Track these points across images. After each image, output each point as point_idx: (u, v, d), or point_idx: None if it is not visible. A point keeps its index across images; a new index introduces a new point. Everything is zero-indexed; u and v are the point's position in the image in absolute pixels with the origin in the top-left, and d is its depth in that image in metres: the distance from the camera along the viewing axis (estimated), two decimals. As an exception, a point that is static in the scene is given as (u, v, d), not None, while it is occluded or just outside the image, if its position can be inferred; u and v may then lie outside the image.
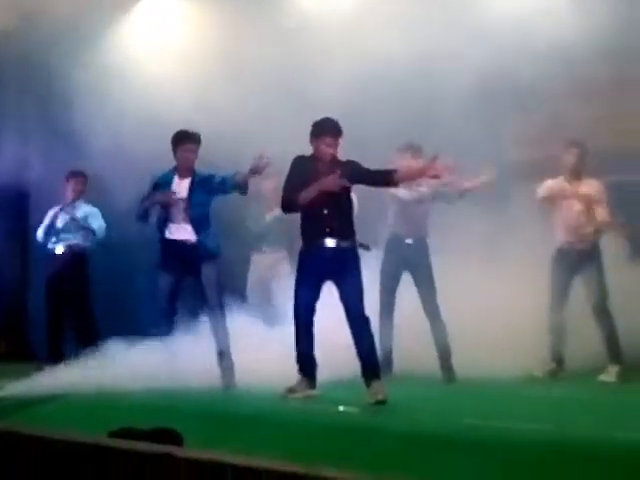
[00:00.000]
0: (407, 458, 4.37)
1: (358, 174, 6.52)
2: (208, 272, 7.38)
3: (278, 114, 8.57)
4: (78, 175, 9.11)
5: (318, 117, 6.68)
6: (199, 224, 7.41)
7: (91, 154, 9.54)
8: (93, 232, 8.98)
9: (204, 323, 7.45)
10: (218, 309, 7.37)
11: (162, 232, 7.47)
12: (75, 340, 8.68)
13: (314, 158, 6.62)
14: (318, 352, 6.55)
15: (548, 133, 8.57)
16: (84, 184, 9.10)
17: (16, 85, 10.92)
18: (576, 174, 7.92)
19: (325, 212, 6.44)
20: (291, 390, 6.51)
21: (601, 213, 7.82)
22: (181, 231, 7.41)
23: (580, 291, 7.83)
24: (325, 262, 6.45)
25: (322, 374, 6.63)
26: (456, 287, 7.58)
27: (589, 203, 7.83)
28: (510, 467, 4.15)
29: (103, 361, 7.15)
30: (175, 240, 7.41)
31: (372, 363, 6.34)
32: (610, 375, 7.52)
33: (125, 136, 9.30)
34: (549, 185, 7.97)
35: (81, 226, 8.97)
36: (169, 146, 7.56)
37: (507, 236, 7.66)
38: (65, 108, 9.86)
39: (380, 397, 6.12)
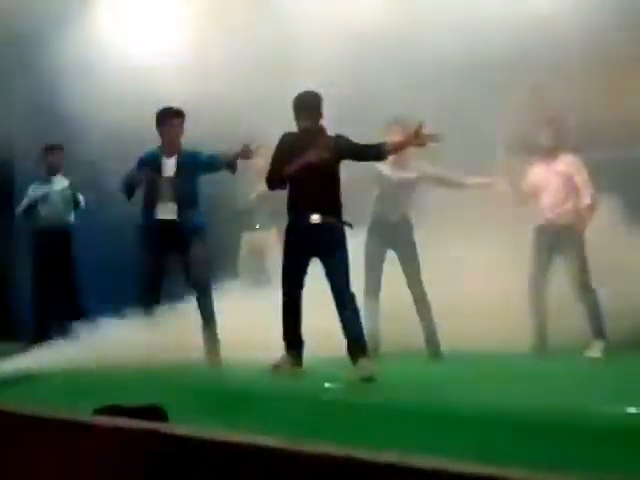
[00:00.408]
0: (391, 432, 4.39)
1: (347, 148, 6.48)
2: (195, 250, 7.35)
3: (265, 85, 8.51)
4: (55, 148, 9.05)
5: (305, 88, 6.65)
6: (186, 203, 7.36)
7: (75, 128, 9.44)
8: (76, 204, 8.93)
9: (190, 301, 7.45)
10: (205, 286, 7.36)
11: (149, 211, 7.43)
12: (61, 317, 8.64)
13: (300, 134, 6.59)
14: (307, 329, 6.54)
15: (530, 107, 8.56)
16: (62, 157, 9.06)
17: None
18: (553, 152, 7.90)
19: (311, 188, 6.42)
20: (277, 366, 6.49)
21: (580, 188, 7.81)
22: (168, 210, 7.37)
23: (562, 268, 7.83)
24: (310, 238, 6.43)
25: (310, 351, 6.62)
26: (441, 264, 7.61)
27: (567, 180, 7.83)
28: (494, 442, 4.16)
29: (89, 338, 7.15)
30: (162, 219, 7.37)
31: (358, 339, 6.32)
32: (595, 351, 7.54)
33: (109, 110, 9.20)
34: (531, 179, 7.99)
35: (63, 199, 8.91)
36: (152, 121, 7.52)
37: (489, 213, 7.65)
38: (50, 80, 9.76)
39: (367, 374, 6.11)
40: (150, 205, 7.42)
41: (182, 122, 7.42)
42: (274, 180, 6.58)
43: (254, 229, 9.29)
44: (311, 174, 6.40)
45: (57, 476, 2.78)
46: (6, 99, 9.85)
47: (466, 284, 7.57)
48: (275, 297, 6.66)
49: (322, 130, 6.58)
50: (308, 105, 6.56)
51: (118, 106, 8.78)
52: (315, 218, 6.43)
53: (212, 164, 7.36)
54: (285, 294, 6.50)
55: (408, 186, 7.95)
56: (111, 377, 6.41)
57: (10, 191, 10.93)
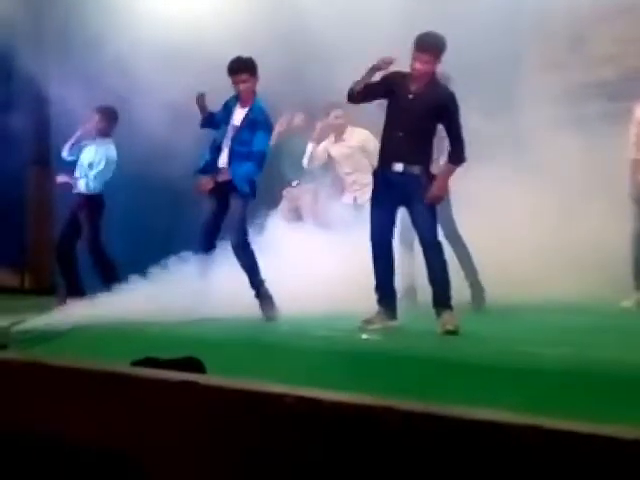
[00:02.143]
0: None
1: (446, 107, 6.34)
2: (235, 206, 7.24)
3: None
4: (103, 111, 8.90)
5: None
6: (240, 156, 7.26)
7: (110, 91, 9.38)
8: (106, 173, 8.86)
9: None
10: (241, 248, 7.19)
11: (210, 156, 7.38)
12: (97, 275, 8.66)
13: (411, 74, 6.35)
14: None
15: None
16: (108, 121, 8.89)
17: (33, 22, 10.71)
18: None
19: (400, 135, 6.29)
20: (368, 321, 6.28)
21: None
22: (223, 160, 7.33)
23: None
24: (395, 187, 6.31)
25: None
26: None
27: None
28: (536, 392, 4.14)
29: (127, 294, 7.18)
30: (220, 168, 7.32)
31: (443, 292, 6.22)
32: (630, 301, 7.49)
33: (145, 71, 9.15)
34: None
35: (99, 165, 8.83)
36: (192, 78, 7.53)
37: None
38: (84, 45, 9.71)
39: (450, 327, 6.04)
40: (213, 151, 7.37)
41: (250, 75, 7.22)
42: (361, 92, 6.33)
43: (293, 185, 9.31)
44: (402, 121, 6.29)
45: (95, 427, 2.78)
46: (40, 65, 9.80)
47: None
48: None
49: (418, 71, 6.27)
50: (428, 45, 6.24)
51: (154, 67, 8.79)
52: (398, 167, 6.31)
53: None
54: (374, 244, 6.32)
55: None
56: (149, 331, 6.45)
57: (47, 150, 10.90)
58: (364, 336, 6.07)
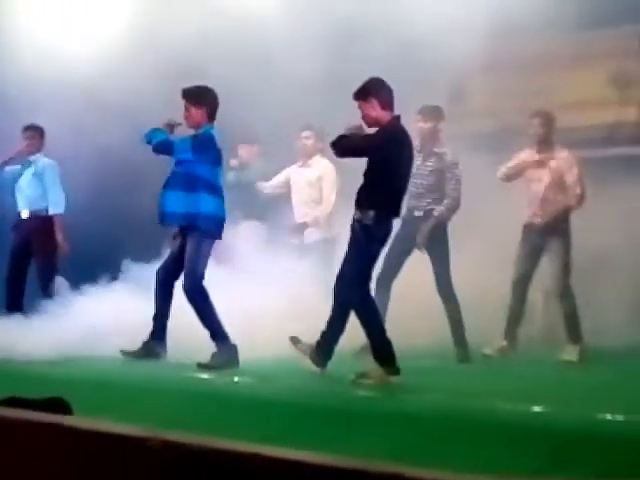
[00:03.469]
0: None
1: None
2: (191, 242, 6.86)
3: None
4: (32, 129, 8.66)
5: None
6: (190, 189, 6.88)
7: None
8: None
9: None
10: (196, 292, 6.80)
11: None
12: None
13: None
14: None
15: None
16: (40, 138, 8.66)
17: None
18: (544, 145, 7.64)
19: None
20: (364, 375, 5.92)
21: (570, 187, 7.59)
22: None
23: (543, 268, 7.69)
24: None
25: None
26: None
27: (559, 176, 7.60)
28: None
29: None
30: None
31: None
32: (572, 355, 7.35)
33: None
34: (518, 158, 7.72)
35: (44, 186, 8.58)
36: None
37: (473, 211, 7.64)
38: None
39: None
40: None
41: (192, 103, 6.93)
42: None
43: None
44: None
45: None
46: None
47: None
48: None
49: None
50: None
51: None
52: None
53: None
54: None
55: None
56: (18, 368, 6.32)
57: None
58: (236, 379, 6.08)
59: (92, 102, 8.80)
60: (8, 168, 8.73)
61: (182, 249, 6.88)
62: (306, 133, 8.53)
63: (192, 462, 2.12)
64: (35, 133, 8.67)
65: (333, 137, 6.21)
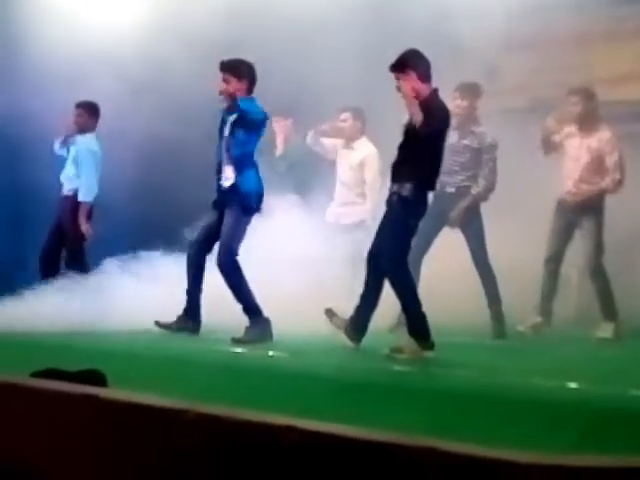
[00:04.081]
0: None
1: None
2: (227, 218, 6.82)
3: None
4: (83, 106, 8.49)
5: None
6: (239, 165, 6.86)
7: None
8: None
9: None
10: (219, 259, 6.80)
11: (218, 175, 6.94)
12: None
13: None
14: None
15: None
16: (89, 117, 8.47)
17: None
18: (585, 123, 7.48)
19: None
20: (398, 349, 5.86)
21: (609, 170, 7.47)
22: (225, 173, 6.88)
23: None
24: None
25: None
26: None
27: (599, 158, 7.48)
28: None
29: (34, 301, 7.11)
30: (219, 184, 6.91)
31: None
32: (606, 331, 7.29)
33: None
34: (561, 132, 7.59)
35: (79, 170, 8.43)
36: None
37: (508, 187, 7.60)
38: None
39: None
40: (218, 168, 6.97)
41: (233, 75, 6.80)
42: None
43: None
44: None
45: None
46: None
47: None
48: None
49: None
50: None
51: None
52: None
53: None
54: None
55: None
56: (57, 340, 6.38)
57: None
58: (270, 353, 6.09)
59: (123, 78, 8.82)
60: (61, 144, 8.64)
61: (218, 222, 6.86)
62: (344, 115, 8.35)
63: (227, 435, 2.13)
64: (83, 111, 8.48)
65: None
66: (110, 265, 7.46)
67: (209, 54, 7.56)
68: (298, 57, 8.54)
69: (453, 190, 7.51)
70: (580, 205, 7.51)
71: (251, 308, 6.65)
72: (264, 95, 7.03)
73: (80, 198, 8.42)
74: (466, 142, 7.52)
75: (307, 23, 8.51)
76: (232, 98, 6.82)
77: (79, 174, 8.44)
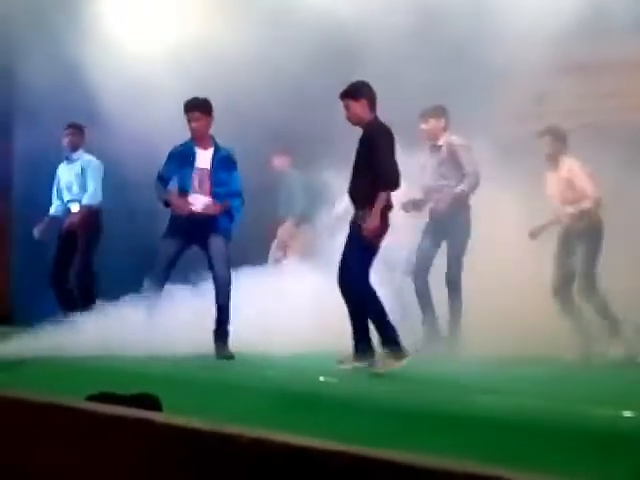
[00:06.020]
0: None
1: None
2: (217, 243, 7.25)
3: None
4: (73, 127, 8.98)
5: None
6: (221, 195, 7.31)
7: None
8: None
9: (198, 292, 7.55)
10: (224, 280, 7.22)
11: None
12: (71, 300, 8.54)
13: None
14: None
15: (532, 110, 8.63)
16: (81, 135, 8.98)
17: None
18: (554, 161, 7.80)
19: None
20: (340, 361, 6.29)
21: (581, 192, 7.66)
22: (199, 202, 7.26)
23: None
24: None
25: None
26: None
27: (570, 184, 7.70)
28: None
29: (90, 324, 7.18)
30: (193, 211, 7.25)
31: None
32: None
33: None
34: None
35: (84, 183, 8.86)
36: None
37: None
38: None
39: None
40: (183, 195, 7.34)
41: (205, 115, 7.26)
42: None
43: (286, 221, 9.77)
44: None
45: (49, 461, 2.79)
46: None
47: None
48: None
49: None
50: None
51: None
52: None
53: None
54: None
55: None
56: (108, 364, 6.43)
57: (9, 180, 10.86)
58: (321, 378, 6.08)
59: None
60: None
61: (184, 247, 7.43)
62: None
63: (280, 459, 2.15)
64: (75, 130, 8.96)
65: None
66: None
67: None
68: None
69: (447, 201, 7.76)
70: (571, 228, 7.69)
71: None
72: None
73: (86, 201, 8.80)
74: (438, 156, 7.86)
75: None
76: (206, 135, 7.39)
77: (85, 185, 8.84)
